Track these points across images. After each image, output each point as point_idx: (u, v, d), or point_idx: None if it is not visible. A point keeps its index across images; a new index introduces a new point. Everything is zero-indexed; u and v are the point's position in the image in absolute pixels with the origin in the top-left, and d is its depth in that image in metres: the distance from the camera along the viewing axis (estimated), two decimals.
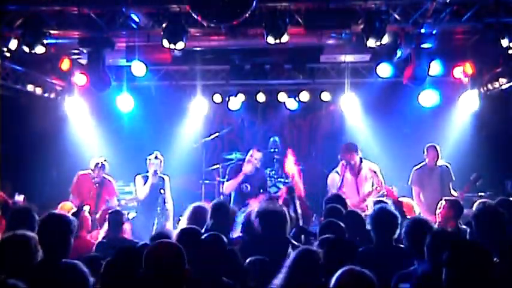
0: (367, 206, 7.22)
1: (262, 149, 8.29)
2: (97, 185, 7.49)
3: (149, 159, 7.80)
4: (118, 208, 6.65)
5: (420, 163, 7.87)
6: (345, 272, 2.95)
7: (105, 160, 7.66)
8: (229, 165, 8.29)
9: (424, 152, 7.78)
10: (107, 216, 5.74)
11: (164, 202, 7.64)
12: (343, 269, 2.97)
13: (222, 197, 8.24)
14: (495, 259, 3.50)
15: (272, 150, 9.71)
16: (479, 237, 4.28)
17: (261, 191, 7.81)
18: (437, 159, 7.68)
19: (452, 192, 7.52)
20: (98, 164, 7.57)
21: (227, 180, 7.80)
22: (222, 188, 8.18)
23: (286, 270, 3.50)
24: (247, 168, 7.66)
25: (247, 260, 4.26)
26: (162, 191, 7.59)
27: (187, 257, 3.28)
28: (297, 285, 3.44)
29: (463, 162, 8.00)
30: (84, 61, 7.57)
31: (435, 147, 7.73)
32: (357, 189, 7.57)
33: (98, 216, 6.45)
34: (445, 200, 5.96)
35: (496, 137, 8.69)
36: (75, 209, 6.04)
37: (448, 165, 7.74)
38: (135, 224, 6.90)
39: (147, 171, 7.80)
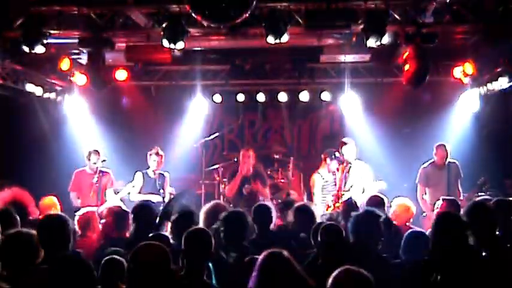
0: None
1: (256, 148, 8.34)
2: (97, 176, 7.48)
3: (149, 155, 7.82)
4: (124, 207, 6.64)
5: (427, 161, 7.87)
6: (341, 271, 2.95)
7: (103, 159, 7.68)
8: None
9: (433, 150, 7.78)
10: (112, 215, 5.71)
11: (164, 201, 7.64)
12: (339, 269, 2.97)
13: (223, 199, 8.25)
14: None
15: (272, 150, 9.74)
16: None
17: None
18: (446, 158, 7.70)
19: (460, 190, 7.57)
20: (90, 152, 7.64)
21: (227, 184, 7.84)
22: (224, 191, 8.20)
23: (256, 274, 3.39)
24: (244, 168, 7.69)
25: None
26: (161, 191, 7.60)
27: None
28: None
29: (462, 162, 7.99)
30: (84, 61, 7.57)
31: (445, 146, 7.73)
32: (339, 186, 7.61)
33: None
34: (443, 199, 6.00)
35: (496, 137, 8.69)
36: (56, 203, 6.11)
37: (457, 162, 7.75)
38: None
39: (148, 168, 7.82)
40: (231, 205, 8.12)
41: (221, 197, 8.70)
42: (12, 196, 5.60)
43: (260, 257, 3.42)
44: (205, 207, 5.31)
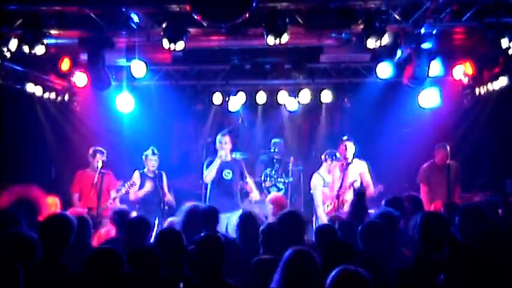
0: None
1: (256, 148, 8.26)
2: (97, 176, 7.48)
3: (145, 156, 7.83)
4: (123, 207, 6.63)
5: (428, 161, 7.87)
6: (339, 271, 2.95)
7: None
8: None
9: (434, 150, 7.78)
10: (112, 216, 5.72)
11: (163, 200, 7.66)
12: (338, 268, 2.97)
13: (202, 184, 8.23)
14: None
15: (272, 150, 9.73)
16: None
17: (242, 178, 7.84)
18: (447, 159, 7.69)
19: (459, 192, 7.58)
20: (95, 151, 7.64)
21: (206, 169, 7.79)
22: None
23: (280, 270, 3.42)
24: (220, 153, 7.70)
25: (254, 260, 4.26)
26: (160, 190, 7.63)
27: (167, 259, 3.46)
28: (292, 286, 3.37)
29: (462, 162, 8.00)
30: (84, 61, 7.57)
31: (446, 146, 7.73)
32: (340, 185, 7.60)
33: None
34: (441, 203, 6.04)
35: (496, 137, 8.68)
36: (58, 203, 6.10)
37: (458, 164, 7.74)
38: None
39: (144, 168, 7.83)
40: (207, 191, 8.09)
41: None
42: (19, 194, 5.55)
43: (286, 255, 3.41)
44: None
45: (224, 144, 7.76)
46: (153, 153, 7.83)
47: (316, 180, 7.89)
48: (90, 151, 7.81)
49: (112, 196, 7.65)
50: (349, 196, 7.42)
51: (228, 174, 7.70)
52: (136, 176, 7.85)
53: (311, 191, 7.92)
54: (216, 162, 7.64)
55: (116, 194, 7.66)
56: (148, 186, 7.73)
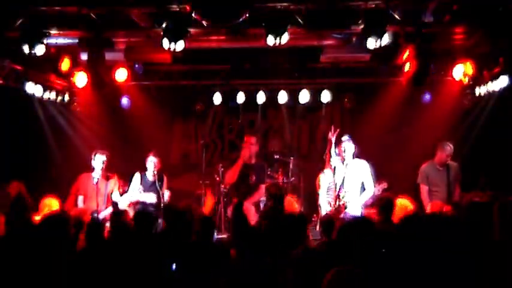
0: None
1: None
2: (101, 179, 7.45)
3: (146, 159, 7.83)
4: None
5: (428, 160, 7.85)
6: (333, 271, 2.94)
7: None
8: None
9: (437, 148, 7.74)
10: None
11: (163, 202, 7.65)
12: (333, 269, 2.97)
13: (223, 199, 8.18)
14: None
15: (272, 150, 9.74)
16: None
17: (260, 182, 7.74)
18: (449, 158, 7.66)
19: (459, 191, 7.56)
20: (97, 154, 7.62)
21: (227, 171, 7.61)
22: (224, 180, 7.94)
23: None
24: (244, 153, 7.54)
25: None
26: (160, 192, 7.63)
27: None
28: None
29: (462, 162, 8.00)
30: (84, 61, 7.57)
31: (450, 145, 7.70)
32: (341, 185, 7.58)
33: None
34: (451, 204, 6.02)
35: (496, 137, 8.67)
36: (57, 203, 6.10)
37: (457, 164, 7.73)
38: None
39: (146, 170, 7.83)
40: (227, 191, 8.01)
41: (221, 197, 8.69)
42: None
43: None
44: None
45: (249, 144, 7.57)
46: (155, 156, 7.81)
47: (321, 180, 7.87)
48: (92, 154, 7.76)
49: (115, 199, 7.60)
50: (351, 197, 7.41)
51: (252, 178, 7.56)
52: (136, 177, 7.83)
53: (318, 191, 7.91)
54: (238, 163, 7.43)
55: (119, 198, 7.63)
56: (149, 198, 7.72)
